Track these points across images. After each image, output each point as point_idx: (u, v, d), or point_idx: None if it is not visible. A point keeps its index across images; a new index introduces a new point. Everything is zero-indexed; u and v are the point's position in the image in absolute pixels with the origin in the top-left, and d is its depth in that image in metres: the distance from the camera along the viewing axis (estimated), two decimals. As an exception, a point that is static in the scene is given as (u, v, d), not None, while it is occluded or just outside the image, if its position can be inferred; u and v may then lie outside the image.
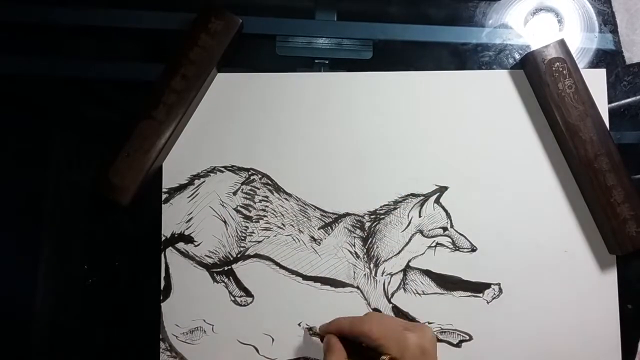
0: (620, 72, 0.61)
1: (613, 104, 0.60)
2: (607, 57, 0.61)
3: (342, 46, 0.61)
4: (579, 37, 0.62)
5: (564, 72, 0.57)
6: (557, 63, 0.57)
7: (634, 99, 0.61)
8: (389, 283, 0.58)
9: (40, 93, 0.61)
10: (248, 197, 0.58)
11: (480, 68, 0.61)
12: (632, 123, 0.61)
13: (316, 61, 0.61)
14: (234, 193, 0.58)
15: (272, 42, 0.61)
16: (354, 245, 0.58)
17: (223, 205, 0.58)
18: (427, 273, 0.58)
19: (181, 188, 0.58)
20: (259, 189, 0.58)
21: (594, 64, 0.61)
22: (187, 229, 0.58)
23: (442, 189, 0.58)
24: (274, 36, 0.61)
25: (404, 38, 0.61)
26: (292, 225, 0.58)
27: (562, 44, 0.57)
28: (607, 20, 0.62)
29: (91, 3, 0.60)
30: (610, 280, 0.58)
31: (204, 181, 0.58)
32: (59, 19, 0.60)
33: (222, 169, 0.58)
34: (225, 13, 0.57)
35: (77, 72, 0.60)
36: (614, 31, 0.62)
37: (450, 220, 0.58)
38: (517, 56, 0.61)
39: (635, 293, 0.59)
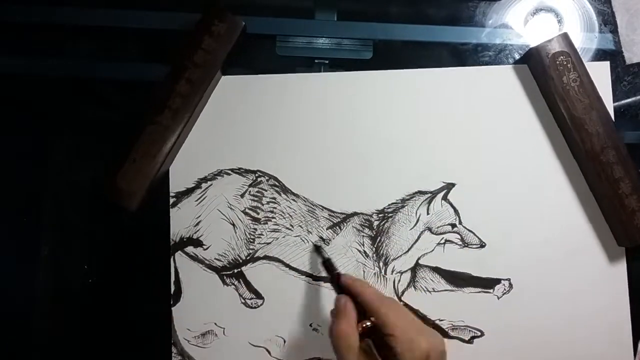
0: (620, 72, 0.61)
1: (613, 104, 0.60)
2: (607, 57, 0.61)
3: (342, 46, 0.61)
4: (579, 37, 0.62)
5: (568, 65, 0.57)
6: (561, 57, 0.57)
7: (634, 99, 0.61)
8: (399, 281, 0.57)
9: (40, 93, 0.60)
10: (256, 199, 0.58)
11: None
12: (632, 123, 0.61)
13: (316, 61, 0.61)
14: (242, 195, 0.58)
15: (272, 42, 0.61)
16: (363, 245, 0.58)
17: (231, 208, 0.58)
18: (437, 270, 0.58)
19: (188, 192, 0.58)
20: (266, 190, 0.58)
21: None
22: (195, 232, 0.58)
23: (449, 186, 0.58)
24: (274, 36, 0.61)
25: (404, 38, 0.61)
26: (300, 226, 0.58)
27: (565, 37, 0.57)
28: (607, 20, 0.62)
29: (91, 3, 0.60)
30: (620, 272, 0.58)
31: (211, 184, 0.58)
32: (59, 19, 0.60)
33: (229, 171, 0.58)
34: (228, 15, 0.57)
35: (77, 72, 0.60)
36: (614, 31, 0.62)
37: (459, 217, 0.58)
38: (517, 56, 0.61)
39: (636, 293, 0.58)
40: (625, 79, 0.61)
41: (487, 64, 0.61)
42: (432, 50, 0.61)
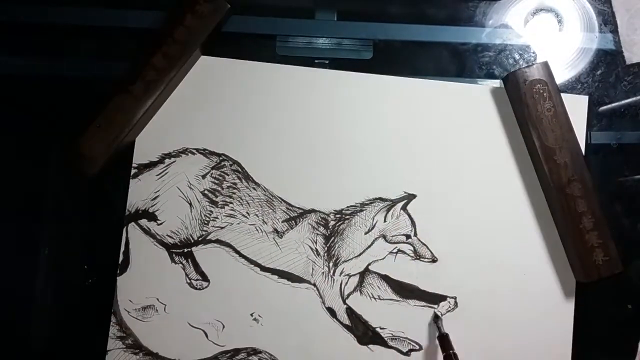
0: (620, 72, 0.61)
1: (613, 104, 0.60)
2: (607, 57, 0.61)
3: (342, 46, 0.61)
4: (579, 37, 0.62)
5: (544, 94, 0.56)
6: (539, 85, 0.56)
7: (634, 99, 0.61)
8: (346, 284, 0.57)
9: (40, 93, 0.60)
10: (216, 182, 0.58)
11: (480, 68, 0.61)
12: (632, 123, 0.61)
13: (316, 61, 0.61)
14: (203, 176, 0.58)
15: (272, 42, 0.61)
16: (316, 242, 0.58)
17: (190, 187, 0.58)
18: (385, 278, 0.57)
19: (151, 165, 0.58)
20: (228, 175, 0.58)
21: (594, 63, 0.61)
22: (152, 206, 0.58)
23: (410, 197, 0.58)
24: (274, 36, 0.61)
25: (404, 38, 0.61)
26: (256, 215, 0.58)
27: (545, 66, 0.57)
28: (607, 20, 0.62)
29: (91, 3, 0.60)
30: (568, 305, 0.57)
31: (174, 161, 0.58)
32: (59, 19, 0.60)
33: (194, 150, 0.58)
34: (214, -4, 0.57)
35: (77, 72, 0.61)
36: (614, 31, 0.62)
37: (415, 229, 0.58)
38: (517, 56, 0.61)
39: (636, 293, 0.59)
40: (625, 79, 0.61)
41: (486, 64, 0.61)
42: (432, 50, 0.61)
